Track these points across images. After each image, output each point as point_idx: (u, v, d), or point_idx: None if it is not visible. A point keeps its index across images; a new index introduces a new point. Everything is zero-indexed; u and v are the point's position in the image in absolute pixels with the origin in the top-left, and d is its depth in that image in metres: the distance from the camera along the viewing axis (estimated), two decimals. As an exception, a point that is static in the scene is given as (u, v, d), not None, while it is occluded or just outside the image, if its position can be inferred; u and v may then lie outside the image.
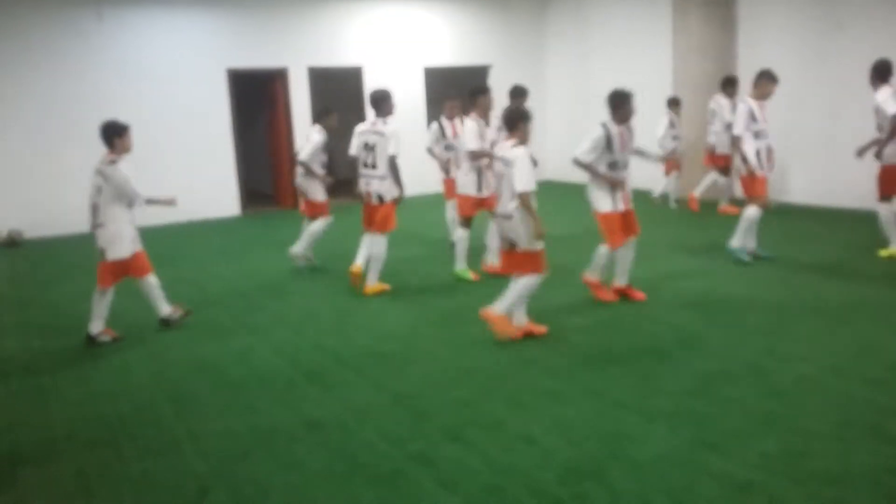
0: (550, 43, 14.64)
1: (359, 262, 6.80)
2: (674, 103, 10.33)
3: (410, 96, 13.14)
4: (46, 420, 4.33)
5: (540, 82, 14.16)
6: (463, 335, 5.46)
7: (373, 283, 6.73)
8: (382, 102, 6.62)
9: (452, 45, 13.80)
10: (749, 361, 4.63)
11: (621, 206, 5.89)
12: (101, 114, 6.42)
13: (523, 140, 5.10)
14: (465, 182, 6.95)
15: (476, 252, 7.43)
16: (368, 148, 6.60)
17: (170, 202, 5.90)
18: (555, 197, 11.47)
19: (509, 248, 5.20)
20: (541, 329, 5.33)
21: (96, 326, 5.65)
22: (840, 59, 9.51)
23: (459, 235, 7.09)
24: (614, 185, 5.81)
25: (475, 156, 6.81)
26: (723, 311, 5.71)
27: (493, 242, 6.93)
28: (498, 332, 5.17)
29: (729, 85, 9.87)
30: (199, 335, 5.78)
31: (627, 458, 3.49)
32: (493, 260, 7.07)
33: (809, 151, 10.03)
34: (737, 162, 7.55)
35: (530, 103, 7.15)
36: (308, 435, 3.93)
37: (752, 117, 6.91)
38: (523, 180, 4.92)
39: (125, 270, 5.67)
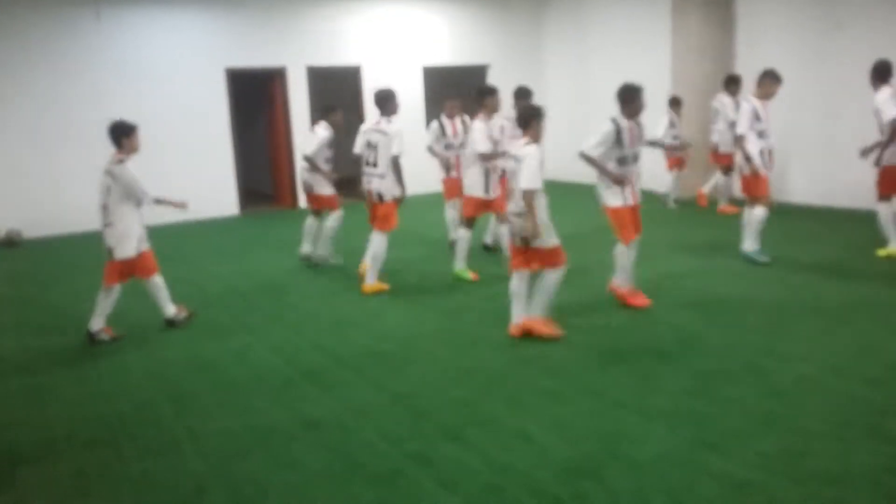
0: (549, 43, 14.63)
1: (367, 261, 6.80)
2: (675, 103, 10.30)
3: (409, 96, 13.10)
4: (46, 420, 4.33)
5: (539, 82, 14.12)
6: (462, 335, 5.46)
7: (371, 283, 6.73)
8: (387, 102, 6.62)
9: (451, 45, 13.80)
10: (749, 361, 4.63)
11: (631, 201, 5.80)
12: (100, 113, 6.44)
13: (535, 138, 5.12)
14: (473, 183, 6.92)
15: (476, 252, 7.42)
16: (371, 146, 6.61)
17: (180, 205, 5.91)
18: (554, 196, 11.28)
19: (522, 244, 5.20)
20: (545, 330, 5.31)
21: (97, 323, 5.66)
22: (840, 58, 9.51)
23: (461, 235, 7.08)
24: (620, 183, 5.73)
25: (485, 158, 6.79)
26: (722, 311, 5.71)
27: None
28: (544, 334, 5.17)
29: (732, 83, 9.84)
30: (198, 335, 5.78)
31: (627, 457, 3.49)
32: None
33: (809, 151, 10.03)
34: (738, 161, 7.53)
35: (530, 103, 7.15)
36: (307, 434, 3.93)
37: (756, 117, 6.89)
38: (528, 178, 4.94)
39: (132, 270, 5.67)
